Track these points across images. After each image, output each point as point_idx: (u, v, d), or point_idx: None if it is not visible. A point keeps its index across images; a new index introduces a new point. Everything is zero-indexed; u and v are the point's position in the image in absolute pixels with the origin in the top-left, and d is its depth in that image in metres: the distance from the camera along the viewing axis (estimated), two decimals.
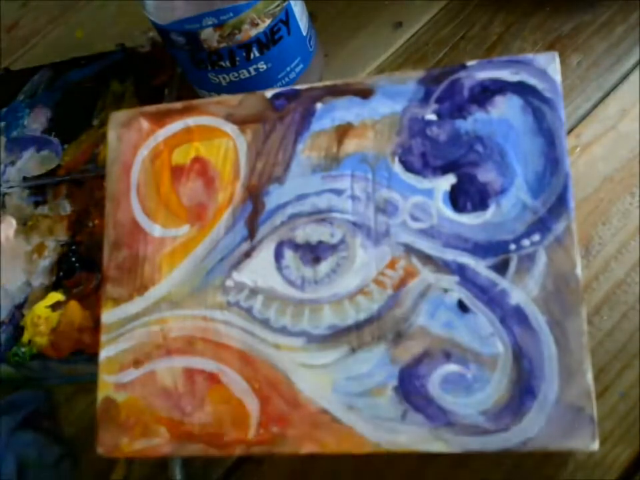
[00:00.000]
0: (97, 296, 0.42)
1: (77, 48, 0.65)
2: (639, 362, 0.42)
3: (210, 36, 0.47)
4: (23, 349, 0.49)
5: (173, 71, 0.58)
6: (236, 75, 0.50)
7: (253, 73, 0.50)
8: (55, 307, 0.50)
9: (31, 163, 0.58)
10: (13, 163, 0.58)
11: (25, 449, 0.49)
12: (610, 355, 0.43)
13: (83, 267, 0.52)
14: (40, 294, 0.51)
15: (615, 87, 0.50)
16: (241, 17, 0.46)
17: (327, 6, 0.60)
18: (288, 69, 0.51)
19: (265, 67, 0.49)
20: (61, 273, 0.52)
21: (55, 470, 0.48)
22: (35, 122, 0.60)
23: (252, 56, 0.48)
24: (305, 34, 0.51)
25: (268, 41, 0.48)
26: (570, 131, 0.49)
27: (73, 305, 0.49)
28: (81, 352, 0.48)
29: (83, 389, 0.49)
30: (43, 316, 0.49)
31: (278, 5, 0.47)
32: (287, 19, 0.49)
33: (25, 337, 0.50)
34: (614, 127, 0.49)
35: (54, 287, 0.52)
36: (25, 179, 0.57)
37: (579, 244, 0.45)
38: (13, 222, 0.55)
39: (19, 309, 0.51)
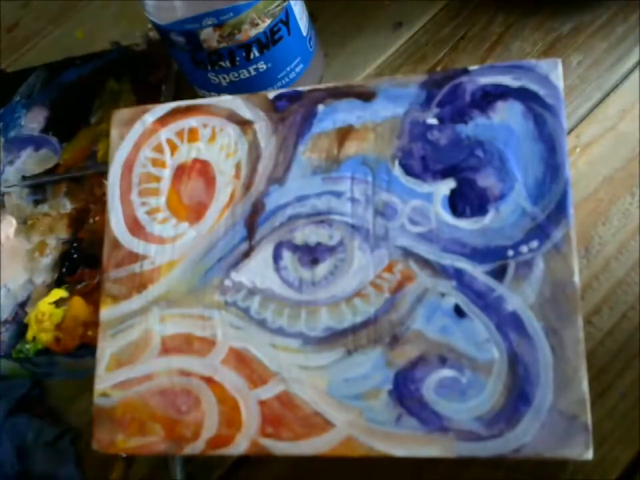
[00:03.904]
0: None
1: (77, 48, 0.65)
2: (639, 362, 0.42)
3: (210, 36, 0.47)
4: (27, 346, 0.50)
5: (168, 67, 0.58)
6: (236, 74, 0.50)
7: (253, 72, 0.50)
8: (58, 303, 0.50)
9: (29, 162, 0.58)
10: (11, 163, 0.58)
11: (21, 431, 0.49)
12: (610, 354, 0.43)
13: (85, 264, 0.52)
14: (43, 291, 0.52)
15: (615, 87, 0.50)
16: (241, 17, 0.46)
17: (327, 6, 0.60)
18: (288, 68, 0.51)
19: (264, 66, 0.49)
20: (64, 270, 0.52)
21: (55, 447, 0.49)
22: (33, 121, 0.60)
23: (252, 56, 0.48)
24: (305, 34, 0.51)
25: (268, 41, 0.48)
26: (570, 131, 0.49)
27: (77, 301, 0.50)
28: (87, 346, 0.48)
29: (84, 388, 0.49)
30: (47, 312, 0.50)
31: (278, 5, 0.47)
32: (287, 18, 0.48)
33: (29, 334, 0.50)
34: (614, 127, 0.49)
35: (57, 284, 0.52)
36: (24, 177, 0.57)
37: (579, 244, 0.45)
38: (13, 221, 0.55)
39: (22, 307, 0.52)
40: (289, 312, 0.39)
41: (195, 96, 0.53)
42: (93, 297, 0.49)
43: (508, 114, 0.38)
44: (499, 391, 0.35)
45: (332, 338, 0.38)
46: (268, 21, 0.47)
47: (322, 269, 0.39)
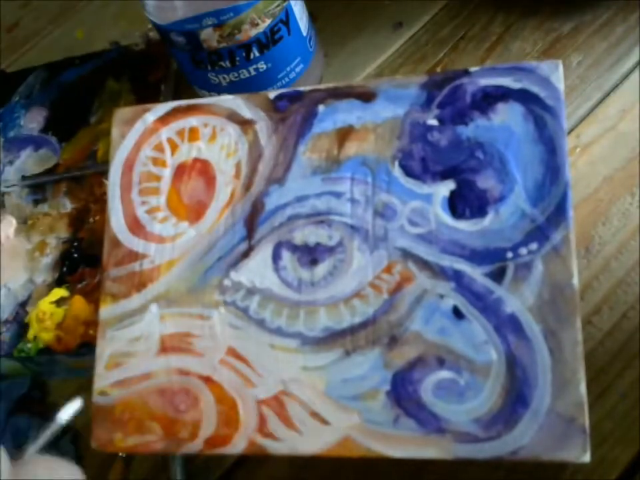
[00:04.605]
0: None
1: (77, 48, 0.65)
2: (639, 362, 0.42)
3: (210, 36, 0.47)
4: (29, 345, 0.50)
5: (168, 67, 0.58)
6: (236, 74, 0.50)
7: (253, 72, 0.50)
8: (59, 302, 0.51)
9: (29, 162, 0.58)
10: (11, 163, 0.58)
11: (22, 431, 0.49)
12: (610, 354, 0.43)
13: (85, 263, 0.52)
14: (43, 291, 0.52)
15: (615, 87, 0.50)
16: (241, 17, 0.46)
17: (327, 6, 0.60)
18: (288, 68, 0.51)
19: (264, 66, 0.49)
20: (64, 269, 0.52)
21: (56, 447, 0.49)
22: (32, 121, 0.60)
23: (252, 56, 0.48)
24: (305, 34, 0.51)
25: (268, 41, 0.48)
26: (570, 131, 0.49)
27: (78, 300, 0.50)
28: (88, 345, 0.48)
29: (83, 388, 0.49)
30: (48, 312, 0.50)
31: (278, 5, 0.47)
32: (287, 19, 0.48)
33: (31, 334, 0.50)
34: (614, 127, 0.49)
35: (57, 283, 0.52)
36: (23, 177, 0.57)
37: (579, 244, 0.45)
38: (13, 221, 0.55)
39: (23, 306, 0.52)
40: (287, 312, 0.39)
41: (194, 96, 0.53)
42: (94, 296, 0.49)
43: (508, 115, 0.38)
44: (497, 393, 0.35)
45: (330, 338, 0.38)
46: (268, 21, 0.47)
47: (321, 269, 0.39)
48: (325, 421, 0.37)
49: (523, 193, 0.37)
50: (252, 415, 0.38)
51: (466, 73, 0.40)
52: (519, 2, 0.55)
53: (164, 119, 0.44)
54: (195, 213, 0.42)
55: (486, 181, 0.38)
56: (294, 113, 0.42)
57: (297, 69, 0.51)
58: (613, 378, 0.42)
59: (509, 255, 0.36)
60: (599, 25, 0.53)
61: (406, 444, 0.36)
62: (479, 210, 0.38)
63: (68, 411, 0.37)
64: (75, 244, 0.53)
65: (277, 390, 0.38)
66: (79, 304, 0.49)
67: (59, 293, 0.51)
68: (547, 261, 0.36)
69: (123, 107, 0.46)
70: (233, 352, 0.39)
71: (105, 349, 0.41)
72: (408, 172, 0.39)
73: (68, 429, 0.50)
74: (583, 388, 0.34)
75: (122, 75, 0.60)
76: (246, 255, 0.40)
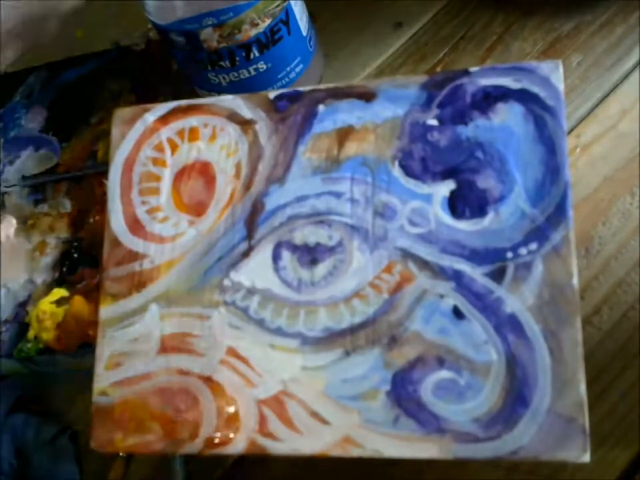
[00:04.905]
0: None
1: (76, 48, 0.65)
2: (639, 362, 0.42)
3: (210, 36, 0.47)
4: (29, 345, 0.50)
5: (168, 67, 0.58)
6: (236, 74, 0.50)
7: (253, 72, 0.50)
8: (59, 302, 0.51)
9: (29, 162, 0.58)
10: (11, 163, 0.58)
11: (20, 430, 0.50)
12: (610, 354, 0.43)
13: (85, 263, 0.52)
14: (43, 291, 0.52)
15: (615, 87, 0.50)
16: (241, 17, 0.46)
17: (327, 6, 0.60)
18: (288, 68, 0.51)
19: (264, 66, 0.49)
20: (64, 269, 0.52)
21: (53, 446, 0.49)
22: (32, 121, 0.60)
23: (252, 56, 0.48)
24: (305, 34, 0.51)
25: (268, 41, 0.48)
26: (570, 131, 0.49)
27: (78, 300, 0.50)
28: (88, 345, 0.48)
29: (83, 389, 0.49)
30: (48, 311, 0.50)
31: (278, 5, 0.47)
32: (287, 19, 0.48)
33: (31, 334, 0.50)
34: (614, 127, 0.49)
35: (57, 283, 0.52)
36: (24, 177, 0.57)
37: (579, 244, 0.45)
38: (13, 221, 0.55)
39: (23, 306, 0.52)
40: (287, 312, 0.39)
41: (194, 96, 0.53)
42: (94, 296, 0.49)
43: (508, 115, 0.38)
44: (497, 393, 0.35)
45: (330, 338, 0.38)
46: (268, 21, 0.47)
47: (321, 269, 0.39)
48: (325, 421, 0.37)
49: (522, 193, 0.37)
50: (252, 415, 0.38)
51: (466, 72, 0.40)
52: (519, 2, 0.55)
53: (164, 119, 0.44)
54: (195, 212, 0.42)
55: (486, 181, 0.38)
56: (294, 113, 0.42)
57: (297, 69, 0.51)
58: (613, 378, 0.42)
59: (509, 255, 0.36)
60: (598, 24, 0.53)
61: (406, 444, 0.36)
62: (479, 210, 0.37)
63: None
64: (75, 244, 0.53)
65: (277, 390, 0.38)
66: (79, 304, 0.49)
67: (59, 293, 0.51)
68: (546, 261, 0.36)
69: (123, 107, 0.46)
70: (233, 352, 0.39)
71: (104, 349, 0.41)
72: (408, 172, 0.39)
73: (66, 427, 0.50)
74: (582, 388, 0.34)
75: (122, 75, 0.60)
76: (246, 254, 0.40)
